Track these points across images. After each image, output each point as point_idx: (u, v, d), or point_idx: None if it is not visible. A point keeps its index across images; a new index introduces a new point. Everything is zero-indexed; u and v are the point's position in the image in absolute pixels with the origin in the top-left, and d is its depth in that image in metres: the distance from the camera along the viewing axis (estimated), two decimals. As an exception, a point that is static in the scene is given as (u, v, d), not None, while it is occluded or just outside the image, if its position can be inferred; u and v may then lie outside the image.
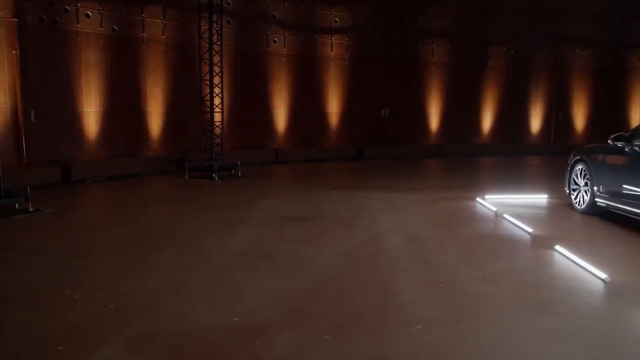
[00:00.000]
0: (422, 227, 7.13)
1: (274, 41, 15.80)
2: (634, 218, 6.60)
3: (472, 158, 16.87)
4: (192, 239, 6.51)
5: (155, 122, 13.55)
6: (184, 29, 13.82)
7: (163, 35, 13.51)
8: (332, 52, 16.72)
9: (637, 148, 6.60)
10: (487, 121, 18.58)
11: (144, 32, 13.12)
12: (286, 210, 8.37)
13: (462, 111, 18.22)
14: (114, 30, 12.55)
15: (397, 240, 6.40)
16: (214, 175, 11.65)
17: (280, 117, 16.14)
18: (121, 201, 9.80)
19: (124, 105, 12.90)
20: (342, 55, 16.91)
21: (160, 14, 13.41)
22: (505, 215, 7.48)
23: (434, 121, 18.12)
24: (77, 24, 11.94)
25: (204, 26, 12.16)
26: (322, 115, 16.88)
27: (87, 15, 12.08)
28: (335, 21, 16.72)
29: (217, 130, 12.62)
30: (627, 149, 6.78)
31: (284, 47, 15.97)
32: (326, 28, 16.63)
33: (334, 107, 16.97)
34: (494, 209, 7.96)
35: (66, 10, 11.75)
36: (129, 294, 4.51)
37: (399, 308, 4.23)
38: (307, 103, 16.49)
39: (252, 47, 15.46)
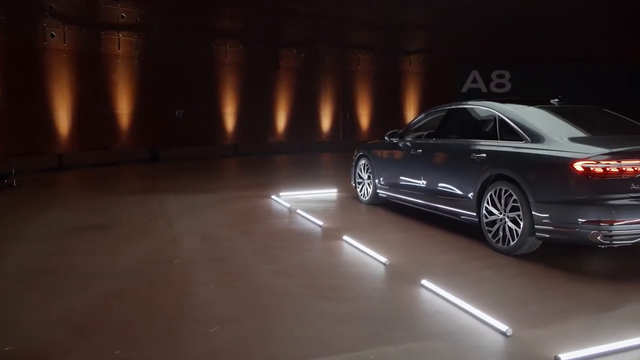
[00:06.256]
0: (218, 226, 7.11)
1: (52, 35, 14.37)
2: (409, 206, 7.39)
3: (269, 156, 17.35)
4: (-46, 261, 5.61)
5: None
6: (-64, 17, 11.86)
7: None
8: (119, 49, 15.79)
9: (408, 143, 7.40)
10: (281, 120, 19.24)
11: None
12: (73, 221, 7.67)
13: (257, 111, 18.58)
14: None
15: (194, 242, 6.29)
16: (-18, 185, 10.22)
17: (63, 119, 14.74)
18: None
19: None
20: (131, 53, 16.07)
21: None
22: (299, 211, 7.81)
23: (230, 121, 18.19)
24: None
25: (-38, 15, 10.60)
26: (112, 117, 15.82)
27: None
28: (122, 17, 15.80)
29: (-15, 135, 11.10)
30: (400, 144, 7.57)
31: (64, 42, 14.62)
32: (112, 24, 15.61)
33: (124, 107, 16.04)
34: (288, 205, 8.26)
35: None
36: None
37: (195, 310, 4.15)
38: (94, 103, 15.29)
39: (24, 40, 13.83)
